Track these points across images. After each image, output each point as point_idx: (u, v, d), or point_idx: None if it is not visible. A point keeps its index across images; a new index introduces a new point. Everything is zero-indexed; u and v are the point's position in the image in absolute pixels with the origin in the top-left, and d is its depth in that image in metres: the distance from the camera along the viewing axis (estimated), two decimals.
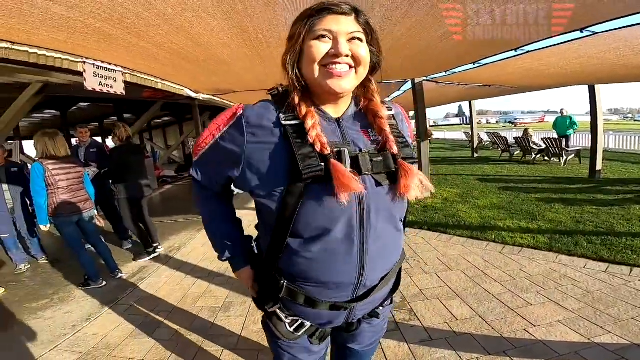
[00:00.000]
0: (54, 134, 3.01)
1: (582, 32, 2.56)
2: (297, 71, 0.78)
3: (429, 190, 0.83)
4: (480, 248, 3.53)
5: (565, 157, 8.76)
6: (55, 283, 3.39)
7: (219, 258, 1.00)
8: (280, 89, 0.84)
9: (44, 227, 2.99)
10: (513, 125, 42.13)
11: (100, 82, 2.99)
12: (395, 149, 0.79)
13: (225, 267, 3.48)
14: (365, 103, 0.85)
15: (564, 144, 8.80)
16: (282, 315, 0.90)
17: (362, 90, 0.85)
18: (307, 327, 0.91)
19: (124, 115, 10.99)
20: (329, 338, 1.05)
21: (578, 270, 2.88)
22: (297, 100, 0.78)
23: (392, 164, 0.78)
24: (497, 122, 65.52)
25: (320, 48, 0.73)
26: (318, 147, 0.73)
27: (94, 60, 2.91)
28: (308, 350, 0.98)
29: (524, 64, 4.03)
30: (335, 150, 0.74)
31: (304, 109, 0.77)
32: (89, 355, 2.18)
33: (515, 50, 3.24)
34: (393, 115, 0.89)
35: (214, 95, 6.08)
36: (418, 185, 0.78)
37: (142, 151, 4.47)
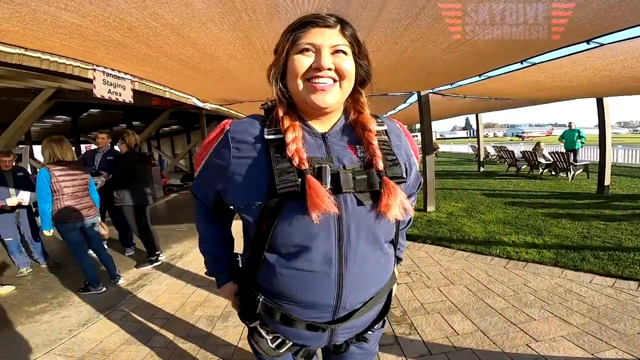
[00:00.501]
0: (59, 139, 3.08)
1: (588, 43, 2.55)
2: (280, 85, 0.78)
3: (409, 214, 0.80)
4: (484, 263, 3.47)
5: (573, 172, 8.64)
6: (55, 287, 3.41)
7: (206, 273, 1.03)
8: (269, 103, 0.83)
9: (47, 233, 3.03)
10: (520, 139, 41.89)
11: (110, 89, 3.05)
12: (380, 166, 0.76)
13: None
14: (355, 116, 0.83)
15: (571, 158, 8.70)
16: (263, 332, 0.88)
17: (352, 103, 0.84)
18: (289, 346, 0.89)
19: (133, 122, 11.17)
20: (318, 357, 1.03)
21: (584, 286, 2.81)
22: (280, 114, 0.78)
23: (376, 183, 0.75)
24: (504, 135, 65.27)
25: (303, 62, 0.73)
26: (296, 162, 0.71)
27: (104, 67, 2.98)
28: None
29: (530, 77, 4.04)
30: (317, 166, 0.72)
31: (286, 123, 0.76)
32: None
33: (521, 62, 3.25)
34: (385, 130, 0.85)
35: (220, 105, 6.17)
36: (400, 205, 0.74)
37: (148, 159, 4.53)
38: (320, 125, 0.81)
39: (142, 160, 4.02)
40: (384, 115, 0.95)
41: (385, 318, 0.97)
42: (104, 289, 3.22)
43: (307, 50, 0.73)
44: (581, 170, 8.86)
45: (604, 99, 6.32)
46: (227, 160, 0.78)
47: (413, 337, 2.27)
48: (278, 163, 0.72)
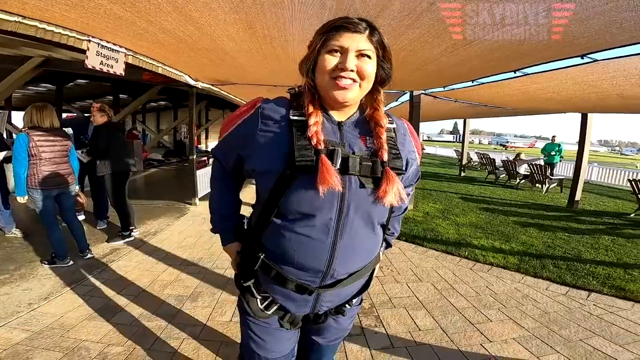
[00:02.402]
0: (43, 106, 3.03)
1: (582, 58, 2.62)
2: (311, 76, 0.88)
3: (403, 202, 0.89)
4: (452, 263, 3.60)
5: (547, 185, 9.00)
6: (19, 258, 3.30)
7: (212, 230, 1.12)
8: (297, 89, 0.94)
9: (21, 199, 2.92)
10: (504, 148, 43.02)
11: (102, 61, 3.03)
12: (385, 157, 0.87)
13: (198, 257, 3.46)
14: (370, 111, 0.93)
15: (548, 171, 9.04)
16: (255, 291, 0.98)
17: (370, 99, 0.94)
18: (277, 307, 0.98)
19: (120, 95, 10.87)
20: (299, 332, 1.10)
21: (540, 292, 2.98)
22: (307, 101, 0.88)
23: (379, 170, 0.85)
24: (489, 143, 66.81)
25: (331, 61, 0.83)
26: (314, 142, 0.82)
27: (100, 39, 2.96)
28: (279, 335, 1.03)
29: (521, 87, 4.14)
30: (330, 148, 0.83)
31: (310, 109, 0.87)
32: (40, 335, 2.13)
33: (514, 72, 3.32)
34: (394, 128, 0.96)
35: (212, 85, 6.06)
36: (396, 192, 0.85)
37: (130, 131, 4.54)
38: (338, 115, 0.91)
39: (121, 131, 4.07)
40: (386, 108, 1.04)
41: (363, 297, 1.12)
42: (71, 262, 3.15)
43: (336, 51, 0.83)
44: (555, 184, 9.23)
45: (589, 115, 6.55)
46: (254, 130, 0.89)
47: (378, 329, 2.35)
48: (299, 140, 0.83)
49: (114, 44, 3.14)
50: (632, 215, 6.34)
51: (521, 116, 9.54)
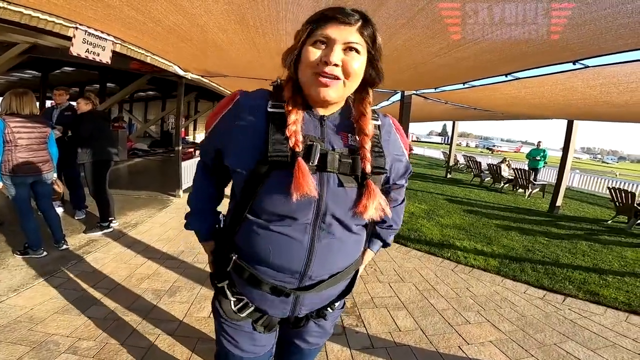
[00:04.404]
0: (23, 93, 2.91)
1: (574, 64, 2.65)
2: (292, 69, 0.81)
3: (386, 214, 0.85)
4: (435, 264, 3.64)
5: (530, 190, 9.21)
6: None
7: (185, 226, 1.06)
8: (279, 81, 0.88)
9: None
10: (490, 152, 43.86)
11: (88, 49, 2.97)
12: (368, 169, 0.81)
13: (178, 251, 3.39)
14: (357, 115, 0.87)
15: (532, 176, 9.25)
16: (229, 293, 0.93)
17: (357, 100, 0.88)
18: (251, 310, 0.93)
19: (107, 84, 10.62)
20: (276, 334, 1.06)
21: (518, 295, 3.03)
22: (287, 95, 0.82)
23: (358, 168, 0.81)
24: (476, 146, 68.05)
25: (314, 54, 0.76)
26: (291, 142, 0.76)
27: (87, 27, 2.89)
28: (251, 337, 0.98)
29: (511, 91, 4.17)
30: (308, 143, 0.78)
31: (291, 105, 0.80)
32: (6, 328, 2.03)
33: (505, 75, 3.34)
34: (378, 125, 0.91)
35: (202, 76, 5.96)
36: (377, 208, 0.81)
37: (116, 120, 4.48)
38: (321, 109, 0.86)
39: (106, 119, 4.02)
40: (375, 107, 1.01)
41: (345, 300, 1.08)
42: (45, 253, 3.03)
43: (322, 42, 0.76)
44: (538, 189, 9.46)
45: (574, 122, 6.70)
46: (231, 125, 0.84)
47: (359, 329, 2.35)
48: (274, 134, 0.78)
49: (101, 32, 3.07)
50: (609, 222, 6.55)
51: (508, 120, 9.70)
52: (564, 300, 2.97)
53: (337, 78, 0.76)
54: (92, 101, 3.70)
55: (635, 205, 5.99)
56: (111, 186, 3.99)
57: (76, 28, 2.80)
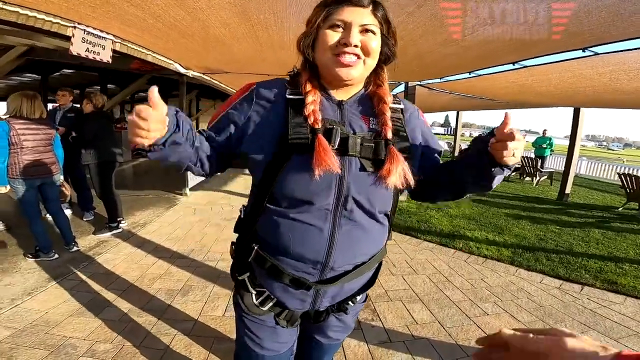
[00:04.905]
0: (33, 96, 2.88)
1: (584, 51, 2.58)
2: (309, 53, 0.82)
3: (409, 183, 0.80)
4: (447, 255, 3.60)
5: (538, 178, 9.11)
6: (1, 252, 3.15)
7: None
8: (295, 69, 0.89)
9: (2, 189, 2.76)
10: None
11: (88, 48, 2.94)
12: (389, 134, 0.81)
13: (188, 250, 3.36)
14: (374, 88, 0.88)
15: (539, 164, 9.14)
16: (250, 285, 0.91)
17: (373, 77, 0.88)
18: (273, 303, 0.91)
19: (108, 85, 10.60)
20: (297, 330, 1.03)
21: (534, 285, 2.99)
22: (304, 79, 0.83)
23: (382, 152, 0.79)
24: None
25: (333, 37, 0.77)
26: (311, 120, 0.77)
27: (86, 26, 2.85)
28: (274, 333, 0.95)
29: (518, 79, 4.08)
30: (328, 126, 0.77)
31: (308, 87, 0.81)
32: (24, 332, 2.02)
33: (513, 64, 3.26)
34: (401, 109, 0.90)
35: (203, 74, 5.91)
36: (400, 173, 0.78)
37: (118, 120, 4.43)
38: (339, 94, 0.85)
39: (110, 120, 3.94)
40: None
41: (367, 293, 1.05)
42: (56, 255, 3.02)
43: (338, 26, 0.77)
44: (546, 177, 9.35)
45: (581, 110, 6.58)
46: (247, 112, 0.84)
47: (375, 323, 2.32)
48: (294, 118, 0.79)
49: (100, 30, 3.03)
50: (620, 209, 6.46)
51: (510, 110, 9.57)
52: (581, 290, 2.92)
53: (358, 57, 0.77)
54: (92, 102, 3.67)
55: None
56: (118, 187, 3.97)
57: (75, 27, 2.76)
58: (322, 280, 0.85)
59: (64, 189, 3.16)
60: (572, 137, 6.94)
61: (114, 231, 3.72)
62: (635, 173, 7.74)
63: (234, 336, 2.08)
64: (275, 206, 0.82)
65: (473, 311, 2.51)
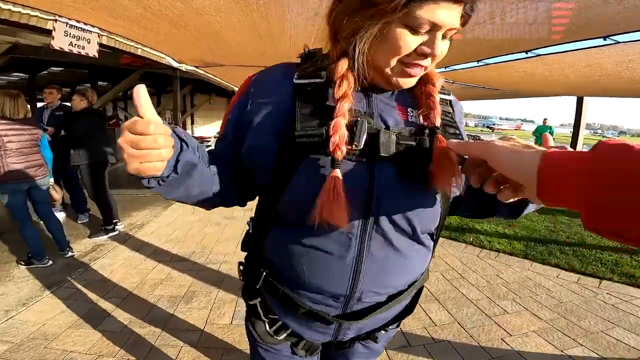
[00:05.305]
0: (16, 95, 2.70)
1: (605, 39, 2.45)
2: (356, 45, 0.57)
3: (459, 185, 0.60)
4: (458, 250, 3.49)
5: None
6: None
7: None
8: (307, 49, 0.68)
9: None
10: (491, 130, 43.52)
11: (71, 42, 2.77)
12: (437, 121, 0.62)
13: (189, 252, 3.21)
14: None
15: None
16: (262, 313, 0.76)
17: None
18: (288, 333, 0.76)
19: (99, 82, 10.32)
20: (318, 357, 0.87)
21: (551, 280, 2.89)
22: (340, 70, 0.59)
23: (427, 156, 0.59)
24: (475, 126, 67.61)
25: (409, 42, 0.54)
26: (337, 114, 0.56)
27: (68, 19, 2.67)
28: None
29: (527, 68, 3.92)
30: (351, 120, 0.57)
31: (341, 68, 0.59)
32: (21, 346, 1.89)
33: (526, 52, 3.10)
34: (451, 101, 0.71)
35: (197, 67, 5.70)
36: (455, 173, 0.57)
37: (111, 118, 4.26)
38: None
39: (102, 117, 3.76)
40: None
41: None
42: (50, 262, 2.85)
43: (420, 26, 0.53)
44: None
45: (584, 99, 6.48)
46: (244, 110, 0.66)
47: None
48: (303, 108, 0.59)
49: (85, 23, 2.83)
50: None
51: (507, 99, 9.45)
52: (599, 284, 2.82)
53: (425, 67, 0.59)
54: (87, 98, 3.48)
55: None
56: (113, 186, 3.80)
57: (55, 20, 2.59)
58: (345, 314, 0.68)
59: (54, 192, 2.97)
60: (576, 126, 6.86)
61: (110, 234, 3.55)
62: None
63: (242, 346, 1.97)
64: (283, 227, 0.65)
65: (492, 310, 2.40)
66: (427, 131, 0.61)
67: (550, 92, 6.71)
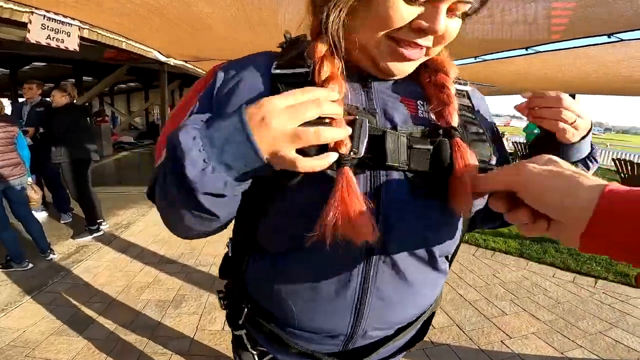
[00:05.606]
0: None
1: (609, 37, 2.42)
2: (336, 17, 0.46)
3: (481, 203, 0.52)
4: None
5: None
6: None
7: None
8: (289, 37, 0.55)
9: None
10: None
11: (49, 35, 2.64)
12: (454, 121, 0.49)
13: (178, 253, 3.09)
14: (430, 64, 0.54)
15: None
16: (248, 345, 0.66)
17: None
18: None
19: (84, 77, 10.02)
20: None
21: (548, 279, 2.87)
22: (320, 51, 0.47)
23: (446, 158, 0.47)
24: None
25: (403, 13, 0.42)
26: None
27: (46, 11, 2.56)
28: None
29: (523, 65, 3.91)
30: (348, 116, 0.44)
31: (326, 68, 0.46)
32: (2, 355, 1.79)
33: (526, 49, 3.05)
34: (467, 92, 0.58)
35: (186, 62, 5.53)
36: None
37: (98, 113, 4.11)
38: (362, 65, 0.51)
39: (85, 114, 3.67)
40: None
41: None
42: (30, 265, 2.70)
43: None
44: None
45: (576, 97, 6.54)
46: (209, 108, 0.50)
47: None
48: None
49: (64, 16, 2.70)
50: None
51: (496, 96, 9.51)
52: (595, 284, 2.82)
53: (425, 48, 0.47)
54: (68, 93, 3.32)
55: None
56: (97, 183, 3.66)
57: (32, 13, 2.46)
58: (346, 352, 0.58)
59: (32, 192, 2.80)
60: None
61: (95, 234, 3.40)
62: (630, 158, 7.85)
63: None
64: (264, 257, 0.54)
65: (491, 311, 2.37)
66: (441, 131, 0.48)
67: (544, 90, 6.77)
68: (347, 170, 0.42)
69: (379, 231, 0.43)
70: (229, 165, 0.38)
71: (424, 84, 0.53)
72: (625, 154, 10.47)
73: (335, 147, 0.42)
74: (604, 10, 2.00)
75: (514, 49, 3.19)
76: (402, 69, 0.49)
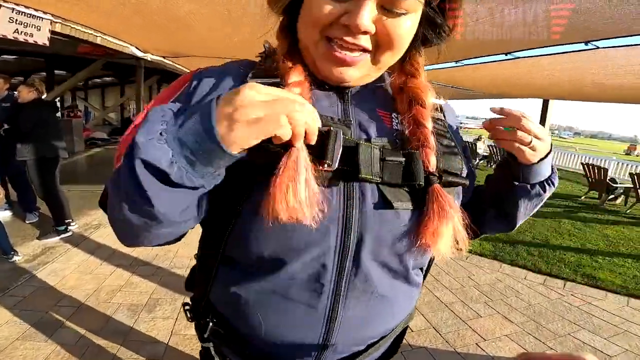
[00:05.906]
0: None
1: (586, 44, 2.51)
2: (288, 21, 0.49)
3: (464, 247, 0.50)
4: None
5: None
6: None
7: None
8: (268, 46, 0.55)
9: None
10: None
11: (17, 29, 2.58)
12: (432, 163, 0.48)
13: (152, 255, 2.97)
14: (401, 79, 0.54)
15: (506, 152, 9.50)
16: (217, 358, 0.62)
17: (399, 63, 0.53)
18: None
19: (56, 71, 9.56)
20: None
21: (520, 282, 2.98)
22: (280, 53, 0.50)
23: (421, 174, 0.47)
24: None
25: (325, 8, 0.42)
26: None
27: (15, 4, 2.49)
28: None
29: (503, 70, 4.01)
30: (322, 129, 0.41)
31: (293, 76, 0.47)
32: None
33: (505, 54, 3.15)
34: (441, 106, 0.58)
35: (164, 58, 5.36)
36: (453, 234, 0.47)
37: (58, 109, 3.92)
38: (338, 77, 0.50)
39: (53, 109, 3.46)
40: None
41: None
42: None
43: None
44: None
45: (550, 102, 6.82)
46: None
47: None
48: None
49: (35, 9, 2.62)
50: (582, 198, 6.83)
51: (473, 99, 9.80)
52: (564, 286, 2.95)
53: (364, 50, 0.45)
54: (36, 89, 3.16)
55: (607, 181, 6.25)
56: (67, 181, 3.48)
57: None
58: None
59: None
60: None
61: (62, 235, 3.22)
62: (598, 163, 8.26)
63: None
64: (232, 269, 0.52)
65: (466, 313, 2.43)
66: (418, 154, 0.48)
67: (520, 95, 7.02)
68: (297, 147, 0.39)
69: (352, 241, 0.46)
70: (181, 140, 0.36)
71: (400, 111, 0.53)
72: (593, 159, 11.04)
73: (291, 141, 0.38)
74: (583, 19, 2.08)
75: (493, 54, 3.28)
76: (344, 74, 0.47)
